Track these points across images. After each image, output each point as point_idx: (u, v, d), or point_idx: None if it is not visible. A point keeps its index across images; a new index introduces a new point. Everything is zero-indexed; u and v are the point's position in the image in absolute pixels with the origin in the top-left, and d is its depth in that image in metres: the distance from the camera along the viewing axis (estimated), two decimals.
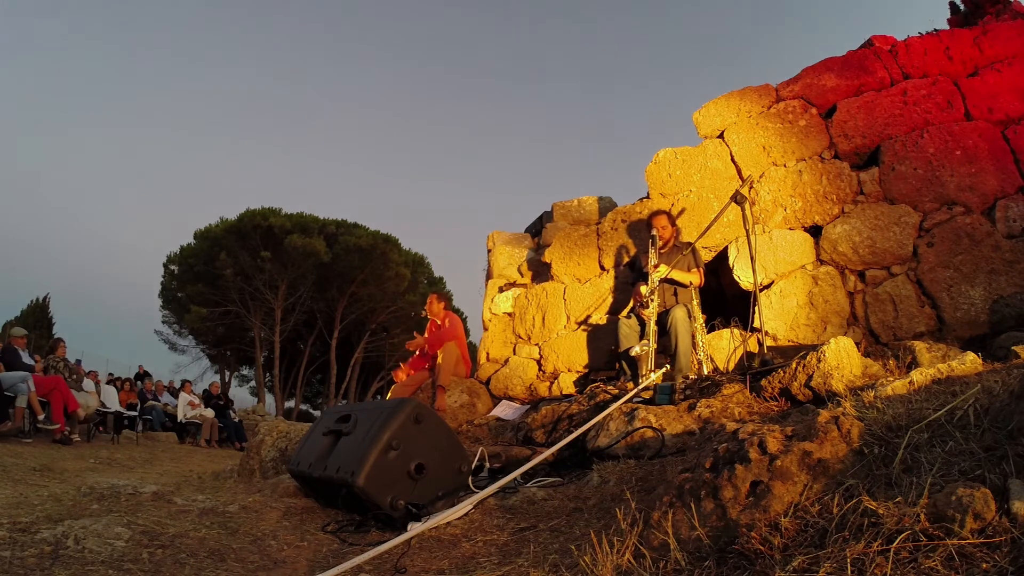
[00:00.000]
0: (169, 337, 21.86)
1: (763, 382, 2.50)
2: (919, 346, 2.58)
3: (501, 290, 5.17)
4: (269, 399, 20.67)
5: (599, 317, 4.39)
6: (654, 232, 3.69)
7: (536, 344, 4.70)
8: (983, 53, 3.67)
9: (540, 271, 5.00)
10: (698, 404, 2.45)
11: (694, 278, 3.66)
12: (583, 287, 4.53)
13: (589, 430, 2.49)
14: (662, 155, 4.39)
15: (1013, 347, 2.38)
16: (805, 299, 3.52)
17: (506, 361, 4.79)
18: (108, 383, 9.14)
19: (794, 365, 2.38)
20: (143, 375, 11.78)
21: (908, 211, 3.43)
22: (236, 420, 10.45)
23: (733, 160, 4.11)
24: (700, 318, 3.63)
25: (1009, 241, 3.17)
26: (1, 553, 1.46)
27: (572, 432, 2.40)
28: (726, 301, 4.84)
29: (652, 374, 3.13)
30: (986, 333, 3.05)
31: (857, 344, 2.83)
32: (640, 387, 2.95)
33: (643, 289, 3.49)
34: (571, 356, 4.40)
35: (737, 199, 3.14)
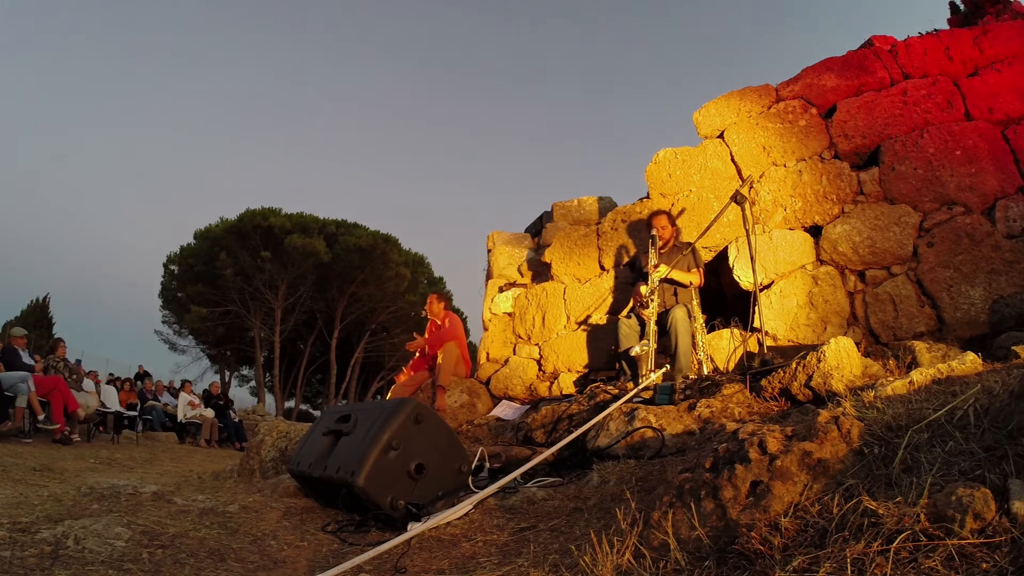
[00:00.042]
0: (169, 337, 21.89)
1: (763, 382, 2.50)
2: (919, 346, 2.58)
3: (501, 290, 5.17)
4: (269, 399, 20.69)
5: (599, 317, 4.39)
6: (654, 232, 3.69)
7: (536, 344, 4.70)
8: (983, 53, 3.67)
9: (540, 271, 5.00)
10: (698, 404, 2.45)
11: (694, 278, 3.66)
12: (583, 287, 4.53)
13: (589, 430, 2.49)
14: (662, 155, 4.39)
15: (1013, 347, 2.38)
16: (805, 299, 3.52)
17: (506, 361, 4.79)
18: (108, 383, 9.14)
19: (794, 365, 2.38)
20: (143, 375, 11.78)
21: (908, 211, 3.43)
22: (236, 420, 10.45)
23: (733, 160, 4.11)
24: (700, 318, 3.63)
25: (1009, 241, 3.17)
26: (1, 553, 1.46)
27: (572, 432, 2.40)
28: (726, 301, 4.84)
29: (652, 374, 3.13)
30: (986, 333, 3.05)
31: (857, 344, 2.83)
32: (640, 387, 2.95)
33: (643, 289, 3.49)
34: (571, 356, 4.40)
35: (737, 199, 3.14)
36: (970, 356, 2.10)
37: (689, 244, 3.75)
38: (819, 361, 2.30)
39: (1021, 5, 4.20)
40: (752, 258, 3.02)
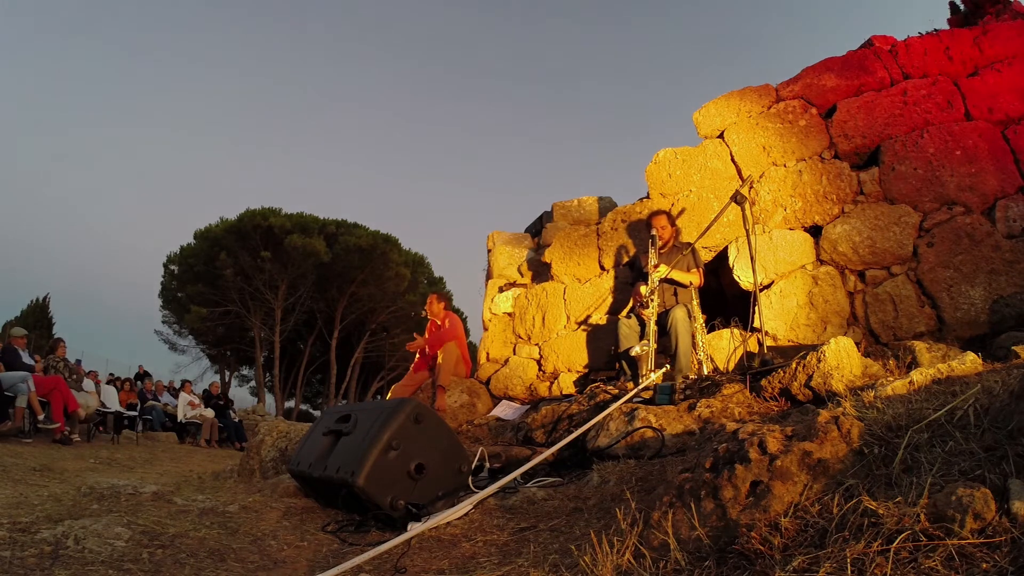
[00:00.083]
0: (169, 337, 21.89)
1: (763, 382, 2.50)
2: (919, 346, 2.58)
3: (501, 290, 5.17)
4: (269, 399, 20.69)
5: (599, 317, 4.39)
6: (654, 232, 3.69)
7: (536, 344, 4.70)
8: (983, 53, 3.67)
9: (540, 271, 5.00)
10: (698, 404, 2.45)
11: (694, 278, 3.66)
12: (583, 287, 4.53)
13: (589, 430, 2.49)
14: (662, 155, 4.39)
15: (1013, 347, 2.38)
16: (805, 299, 3.52)
17: (506, 361, 4.79)
18: (108, 383, 9.14)
19: (794, 365, 2.38)
20: (143, 375, 11.78)
21: (908, 211, 3.43)
22: (236, 420, 10.45)
23: (733, 160, 4.11)
24: (700, 318, 3.63)
25: (1009, 241, 3.17)
26: (1, 553, 1.46)
27: (572, 432, 2.40)
28: (726, 301, 4.84)
29: (652, 374, 3.13)
30: (986, 333, 3.05)
31: (857, 344, 2.83)
32: (640, 387, 2.95)
33: (643, 289, 3.49)
34: (571, 356, 4.40)
35: (737, 199, 3.14)
36: (970, 356, 2.10)
37: (689, 244, 3.75)
38: (819, 361, 2.30)
39: (1021, 5, 4.20)
40: (752, 258, 3.02)
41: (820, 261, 3.61)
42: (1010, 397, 1.21)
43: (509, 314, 4.99)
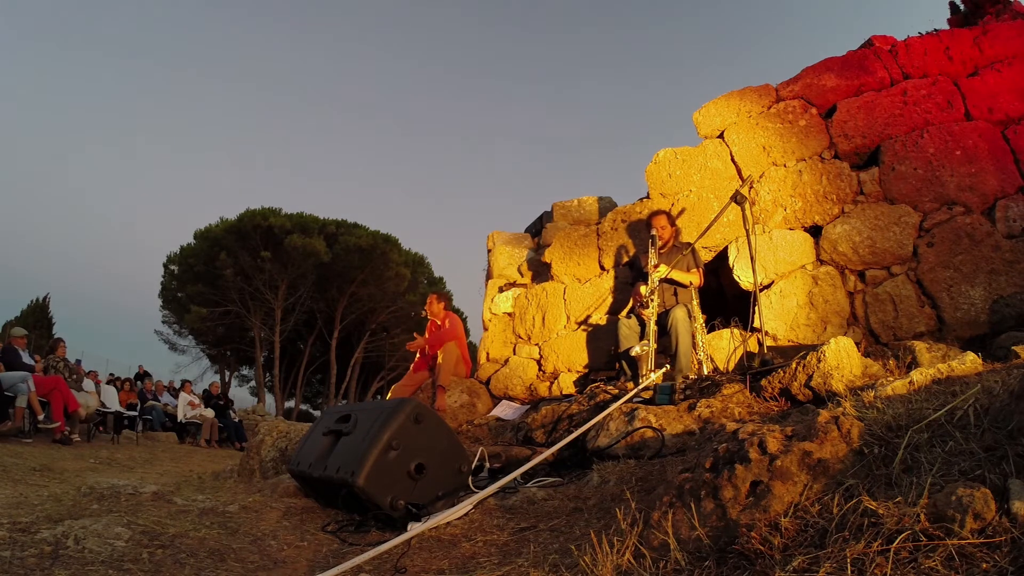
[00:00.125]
0: (169, 337, 21.89)
1: (763, 382, 2.50)
2: (919, 346, 2.58)
3: (501, 290, 5.17)
4: (269, 399, 20.69)
5: (599, 317, 4.39)
6: (654, 232, 3.69)
7: (536, 344, 4.70)
8: (983, 53, 3.67)
9: (540, 271, 5.00)
10: (698, 404, 2.45)
11: (694, 278, 3.66)
12: (583, 287, 4.53)
13: (589, 430, 2.49)
14: (662, 155, 4.39)
15: (1013, 347, 2.38)
16: (805, 299, 3.52)
17: (506, 361, 4.79)
18: (108, 383, 9.14)
19: (794, 365, 2.38)
20: (143, 375, 11.78)
21: (908, 211, 3.43)
22: (236, 420, 10.45)
23: (733, 160, 4.11)
24: (700, 318, 3.63)
25: (1009, 241, 3.17)
26: (1, 553, 1.46)
27: (572, 432, 2.40)
28: (726, 301, 4.84)
29: (652, 374, 3.13)
30: (986, 333, 3.05)
31: (857, 344, 2.83)
32: (640, 387, 2.95)
33: (643, 289, 3.49)
34: (571, 356, 4.40)
35: (737, 199, 3.14)
36: (970, 356, 2.10)
37: (689, 244, 3.74)
38: (819, 361, 2.30)
39: (1021, 5, 4.20)
40: (752, 258, 3.02)
41: (820, 261, 3.61)
42: (1010, 397, 1.21)
43: (509, 314, 4.99)
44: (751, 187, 3.80)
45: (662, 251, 3.70)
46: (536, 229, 5.45)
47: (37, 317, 21.74)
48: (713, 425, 2.25)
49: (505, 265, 5.27)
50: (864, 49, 4.08)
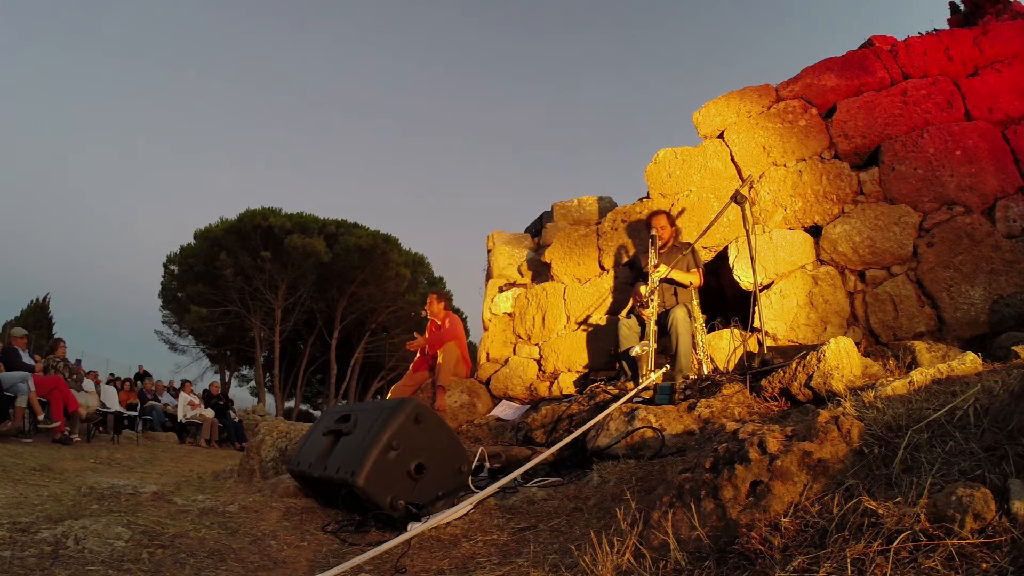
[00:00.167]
0: (169, 337, 21.89)
1: (763, 382, 2.50)
2: (919, 346, 2.58)
3: (501, 290, 5.17)
4: (269, 399, 20.69)
5: (599, 317, 4.39)
6: (654, 232, 3.69)
7: (536, 344, 4.70)
8: (983, 53, 3.67)
9: (540, 271, 5.00)
10: (698, 404, 2.45)
11: (694, 278, 3.66)
12: (583, 287, 4.53)
13: (589, 430, 2.49)
14: (662, 155, 4.39)
15: (1013, 347, 2.38)
16: (805, 299, 3.52)
17: (506, 361, 4.79)
18: (108, 383, 9.14)
19: (794, 365, 2.38)
20: (143, 375, 11.78)
21: (908, 211, 3.43)
22: (236, 420, 10.45)
23: (733, 160, 4.11)
24: (700, 318, 3.63)
25: (1009, 241, 3.17)
26: (1, 553, 1.46)
27: (572, 432, 2.40)
28: (726, 301, 4.84)
29: (652, 374, 3.13)
30: (986, 333, 3.05)
31: (857, 344, 2.83)
32: (640, 387, 2.95)
33: (643, 289, 3.49)
34: (571, 356, 4.40)
35: (737, 199, 3.14)
36: (970, 356, 2.10)
37: (689, 244, 3.74)
38: (819, 361, 2.30)
39: (1021, 5, 4.20)
40: (752, 258, 3.02)
41: (820, 261, 3.61)
42: (1010, 397, 1.21)
43: (509, 314, 4.99)
44: (751, 187, 3.80)
45: (662, 251, 3.70)
46: (536, 229, 5.45)
47: (37, 317, 21.74)
48: (713, 425, 2.25)
49: (505, 265, 5.27)
50: (864, 49, 4.08)
